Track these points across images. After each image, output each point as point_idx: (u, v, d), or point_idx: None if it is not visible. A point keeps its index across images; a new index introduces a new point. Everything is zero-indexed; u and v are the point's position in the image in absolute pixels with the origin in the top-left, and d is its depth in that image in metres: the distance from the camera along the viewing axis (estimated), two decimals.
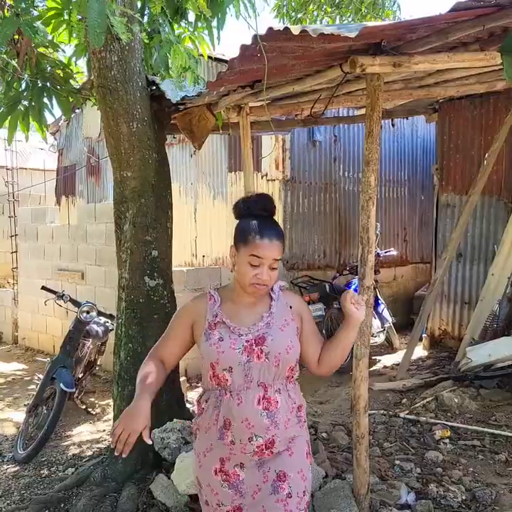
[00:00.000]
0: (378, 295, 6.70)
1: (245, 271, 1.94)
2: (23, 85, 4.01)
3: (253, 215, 1.99)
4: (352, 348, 2.46)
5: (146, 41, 3.54)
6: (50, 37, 3.90)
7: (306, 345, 2.07)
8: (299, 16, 8.89)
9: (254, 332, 1.97)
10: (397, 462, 3.77)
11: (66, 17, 3.77)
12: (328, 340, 2.11)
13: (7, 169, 10.01)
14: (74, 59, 4.16)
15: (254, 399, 1.93)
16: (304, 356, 2.08)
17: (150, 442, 1.79)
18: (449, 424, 4.39)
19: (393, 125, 7.56)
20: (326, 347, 2.09)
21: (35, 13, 3.65)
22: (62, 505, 3.39)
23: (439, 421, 4.45)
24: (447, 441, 4.14)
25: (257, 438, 1.93)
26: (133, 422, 1.79)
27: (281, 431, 1.96)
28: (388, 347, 7.07)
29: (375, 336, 6.52)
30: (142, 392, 1.91)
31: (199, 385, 5.75)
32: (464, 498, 3.30)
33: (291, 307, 2.08)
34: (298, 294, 2.22)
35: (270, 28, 2.43)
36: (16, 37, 3.19)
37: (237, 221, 2.05)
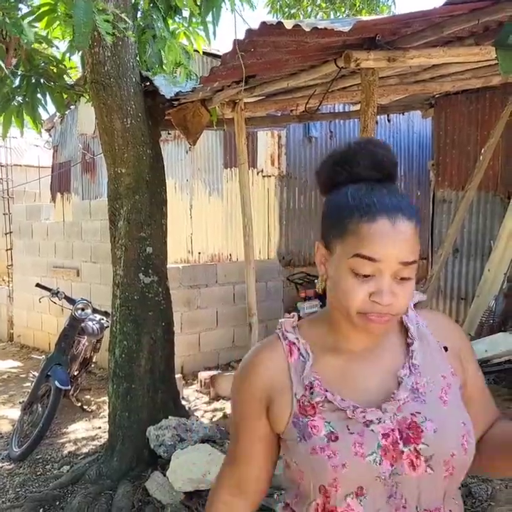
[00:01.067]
0: None
1: (347, 288, 0.99)
2: (17, 81, 3.98)
3: (356, 180, 1.03)
4: None
5: (134, 38, 3.51)
6: (44, 33, 3.88)
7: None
8: (293, 11, 8.87)
9: (392, 412, 1.01)
10: None
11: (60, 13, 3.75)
12: (505, 429, 1.14)
13: (2, 166, 9.94)
14: (68, 54, 4.14)
15: None
16: None
17: None
18: None
19: (389, 121, 7.53)
20: (502, 435, 1.12)
21: (25, 9, 3.62)
22: (57, 503, 3.38)
23: None
24: None
25: None
26: None
27: None
28: None
29: None
30: None
31: (195, 382, 5.73)
32: None
33: (446, 349, 1.11)
34: (440, 312, 1.32)
35: (263, 23, 2.41)
36: (4, 32, 3.14)
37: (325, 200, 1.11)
